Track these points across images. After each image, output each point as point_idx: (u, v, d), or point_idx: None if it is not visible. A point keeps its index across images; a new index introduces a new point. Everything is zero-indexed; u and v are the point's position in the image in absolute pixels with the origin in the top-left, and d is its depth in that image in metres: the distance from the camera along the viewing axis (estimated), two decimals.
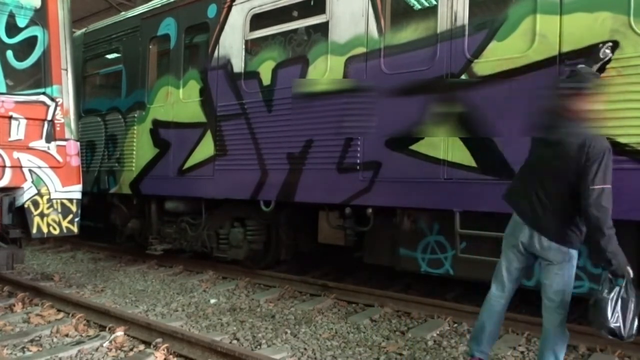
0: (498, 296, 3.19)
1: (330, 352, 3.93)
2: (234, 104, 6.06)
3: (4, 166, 4.90)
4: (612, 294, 2.70)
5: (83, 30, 8.80)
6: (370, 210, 5.13)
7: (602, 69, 3.67)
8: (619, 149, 3.59)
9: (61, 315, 4.89)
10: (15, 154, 4.99)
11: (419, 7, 5.21)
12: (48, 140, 5.23)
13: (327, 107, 5.18)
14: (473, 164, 4.26)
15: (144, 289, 6.07)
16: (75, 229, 5.44)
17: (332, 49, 5.22)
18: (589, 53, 3.73)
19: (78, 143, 5.54)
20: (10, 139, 4.97)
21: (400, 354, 3.92)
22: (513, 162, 4.04)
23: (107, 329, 4.36)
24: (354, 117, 4.96)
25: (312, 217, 6.01)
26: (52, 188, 5.23)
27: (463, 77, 4.34)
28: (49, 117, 5.26)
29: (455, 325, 4.63)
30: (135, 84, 7.45)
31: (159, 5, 7.23)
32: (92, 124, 8.16)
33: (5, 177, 4.92)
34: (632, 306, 2.68)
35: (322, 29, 5.37)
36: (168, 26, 6.99)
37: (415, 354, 3.92)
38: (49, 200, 5.21)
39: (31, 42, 5.23)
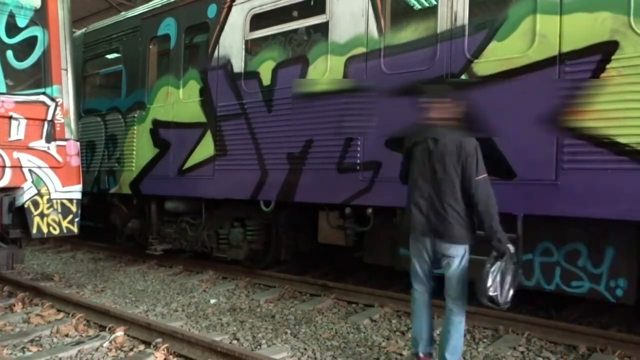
0: (422, 292, 3.51)
1: (330, 352, 3.93)
2: (234, 104, 6.06)
3: (4, 166, 4.90)
4: (494, 268, 3.11)
5: (83, 30, 8.80)
6: (370, 210, 5.13)
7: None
8: (619, 149, 3.59)
9: (61, 315, 4.89)
10: (15, 154, 4.99)
11: (419, 7, 5.22)
12: (48, 140, 5.23)
13: (327, 107, 5.18)
14: None
15: (144, 289, 6.07)
16: (75, 229, 5.44)
17: (332, 49, 5.22)
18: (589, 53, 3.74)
19: (78, 143, 5.54)
20: (10, 139, 4.97)
21: (400, 354, 3.92)
22: (513, 162, 4.04)
23: (107, 329, 4.36)
24: (354, 117, 4.96)
25: (312, 217, 6.01)
26: (52, 188, 5.23)
27: (463, 77, 4.34)
28: (49, 117, 5.26)
29: None
30: (135, 84, 7.45)
31: (159, 5, 7.23)
32: (92, 124, 8.16)
33: (5, 177, 4.92)
34: (508, 279, 3.10)
35: (322, 29, 5.37)
36: (168, 26, 6.99)
37: None
38: (49, 200, 5.21)
39: (31, 42, 5.23)
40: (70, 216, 5.39)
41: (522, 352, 3.97)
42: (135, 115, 7.34)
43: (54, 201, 5.25)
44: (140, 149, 7.26)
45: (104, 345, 4.08)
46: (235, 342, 4.19)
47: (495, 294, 3.10)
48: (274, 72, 5.73)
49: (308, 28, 5.61)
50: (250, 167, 5.81)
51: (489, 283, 3.09)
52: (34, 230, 5.10)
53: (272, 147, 5.65)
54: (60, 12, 5.41)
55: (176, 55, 6.86)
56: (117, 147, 7.64)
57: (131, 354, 3.92)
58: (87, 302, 5.03)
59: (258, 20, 5.95)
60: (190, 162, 6.52)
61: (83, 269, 7.34)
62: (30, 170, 5.09)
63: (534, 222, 4.07)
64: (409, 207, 3.40)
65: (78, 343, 4.08)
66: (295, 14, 5.72)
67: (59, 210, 5.28)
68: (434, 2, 4.65)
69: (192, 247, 7.15)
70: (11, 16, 5.08)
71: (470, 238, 3.28)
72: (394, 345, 4.08)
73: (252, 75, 5.95)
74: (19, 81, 5.14)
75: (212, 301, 5.52)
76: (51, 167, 5.25)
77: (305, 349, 3.99)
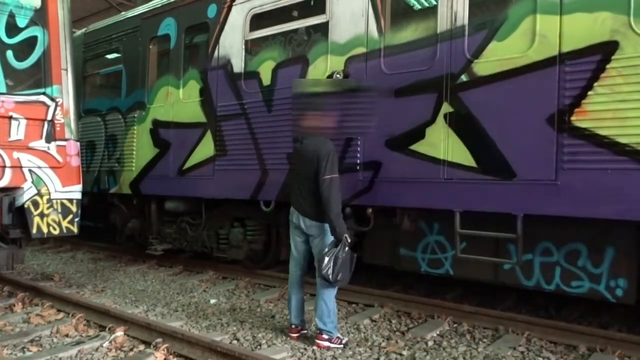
0: (295, 270, 4.27)
1: (330, 352, 3.93)
2: (234, 104, 6.06)
3: (4, 166, 4.90)
4: (331, 252, 3.79)
5: (83, 30, 8.80)
6: (370, 210, 5.13)
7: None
8: (619, 149, 3.59)
9: (61, 315, 4.89)
10: (15, 154, 4.99)
11: (419, 7, 5.21)
12: (48, 140, 5.23)
13: None
14: (473, 164, 4.26)
15: (144, 289, 6.08)
16: (75, 229, 5.44)
17: (332, 49, 5.22)
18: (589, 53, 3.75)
19: (78, 143, 5.54)
20: (10, 139, 4.97)
21: (400, 354, 3.92)
22: (513, 162, 4.05)
23: (107, 329, 4.36)
24: (354, 117, 4.96)
25: None
26: (52, 188, 5.23)
27: (463, 77, 4.34)
28: (49, 117, 5.26)
29: (455, 325, 4.63)
30: (135, 84, 7.44)
31: (159, 5, 7.23)
32: (92, 124, 8.16)
33: (5, 177, 4.92)
34: (339, 262, 3.77)
35: (322, 29, 5.37)
36: (168, 26, 6.99)
37: (415, 354, 3.92)
38: (49, 200, 5.21)
39: (31, 42, 5.23)
40: (70, 216, 5.39)
41: (522, 352, 3.97)
42: (135, 115, 7.34)
43: (54, 201, 5.25)
44: (140, 149, 7.25)
45: (104, 345, 4.08)
46: (235, 342, 4.19)
47: (328, 273, 3.76)
48: (274, 72, 5.73)
49: (308, 28, 5.61)
50: (250, 167, 5.81)
51: (324, 264, 3.77)
52: (34, 230, 5.10)
53: (272, 147, 5.64)
54: (60, 12, 5.41)
55: (176, 55, 6.86)
56: (117, 147, 7.64)
57: (131, 354, 3.92)
58: (87, 302, 5.03)
59: (258, 20, 5.94)
60: (190, 162, 6.52)
61: (83, 269, 7.34)
62: (30, 170, 5.09)
63: (533, 222, 4.07)
64: (289, 190, 4.28)
65: (78, 343, 4.09)
66: (295, 14, 5.72)
67: (59, 210, 5.28)
68: (434, 2, 4.65)
69: (192, 247, 7.15)
70: (11, 16, 5.08)
71: (324, 220, 3.93)
72: (394, 345, 4.08)
73: (252, 75, 5.95)
74: (19, 81, 5.14)
75: (212, 301, 5.52)
76: (51, 167, 5.25)
77: (305, 349, 4.00)
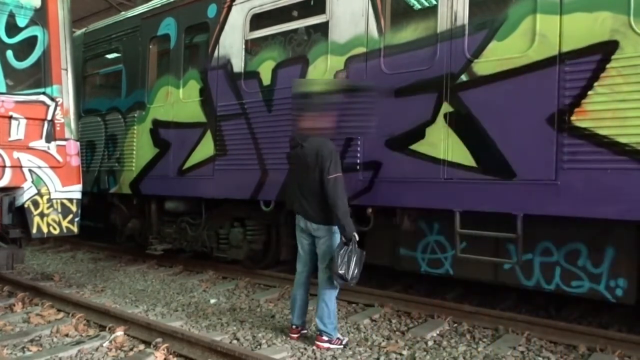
0: (302, 270, 4.24)
1: (330, 352, 3.93)
2: (234, 104, 6.06)
3: (4, 166, 4.89)
4: (342, 251, 3.79)
5: (83, 30, 8.80)
6: (370, 210, 5.13)
7: None
8: (619, 149, 3.59)
9: (61, 315, 4.89)
10: (15, 154, 4.98)
11: (419, 7, 5.21)
12: (48, 140, 5.23)
13: None
14: (473, 164, 4.26)
15: (144, 289, 6.08)
16: (75, 229, 5.44)
17: (332, 49, 5.22)
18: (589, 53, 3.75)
19: (78, 143, 5.54)
20: (10, 139, 4.96)
21: (400, 354, 3.92)
22: (513, 162, 4.05)
23: (107, 329, 4.36)
24: (354, 117, 4.96)
25: None
26: (52, 188, 5.23)
27: (463, 77, 4.34)
28: (49, 117, 5.25)
29: (455, 325, 4.63)
30: (135, 83, 7.44)
31: (159, 5, 7.23)
32: (92, 124, 8.16)
33: (5, 177, 4.92)
34: (354, 260, 3.79)
35: (322, 29, 5.37)
36: (168, 26, 6.99)
37: (415, 354, 3.92)
38: (49, 200, 5.21)
39: (31, 42, 5.23)
40: (70, 216, 5.39)
41: (522, 352, 3.97)
42: (135, 115, 7.34)
43: (54, 201, 5.25)
44: (140, 149, 7.25)
45: (104, 345, 4.08)
46: (235, 342, 4.19)
47: (343, 272, 3.75)
48: (274, 72, 5.73)
49: (308, 28, 5.61)
50: (250, 167, 5.81)
51: (338, 263, 3.76)
52: (34, 230, 5.10)
53: (272, 147, 5.64)
54: (60, 12, 5.41)
55: (176, 55, 6.86)
56: (117, 147, 7.64)
57: (131, 353, 3.92)
58: (87, 302, 5.03)
59: (258, 20, 5.94)
60: (190, 162, 6.52)
61: (83, 269, 7.34)
62: (30, 170, 5.09)
63: (533, 221, 4.07)
64: (290, 196, 4.30)
65: (78, 343, 4.08)
66: (295, 13, 5.72)
67: (59, 210, 5.28)
68: (434, 2, 4.65)
69: (192, 247, 7.15)
70: (11, 16, 5.08)
71: (331, 222, 3.94)
72: (394, 345, 4.08)
73: (252, 75, 5.95)
74: (19, 81, 5.14)
75: (212, 301, 5.52)
76: (51, 167, 5.24)
77: (305, 349, 4.00)
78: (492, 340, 4.22)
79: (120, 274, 6.90)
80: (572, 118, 3.79)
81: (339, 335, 4.07)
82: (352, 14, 5.08)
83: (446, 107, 4.41)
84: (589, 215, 3.75)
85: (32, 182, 5.09)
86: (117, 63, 7.96)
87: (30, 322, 4.67)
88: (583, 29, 3.78)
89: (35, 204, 5.11)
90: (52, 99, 5.29)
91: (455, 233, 4.39)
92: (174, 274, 6.99)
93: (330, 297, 4.01)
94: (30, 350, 3.96)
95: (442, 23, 4.50)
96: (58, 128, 5.30)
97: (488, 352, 3.95)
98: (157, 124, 7.02)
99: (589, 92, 3.73)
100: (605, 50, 3.68)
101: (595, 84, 3.70)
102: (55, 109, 5.30)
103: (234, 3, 6.13)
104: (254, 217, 6.45)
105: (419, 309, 4.99)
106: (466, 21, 4.37)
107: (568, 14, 3.86)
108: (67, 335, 4.33)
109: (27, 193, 5.05)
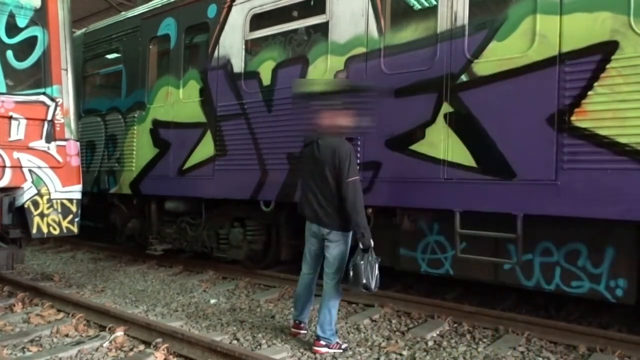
0: (307, 273, 4.15)
1: (330, 352, 3.93)
2: (234, 104, 6.06)
3: (4, 166, 4.90)
4: (363, 261, 3.66)
5: (83, 30, 8.80)
6: (370, 210, 5.13)
7: None
8: (619, 149, 3.59)
9: (61, 315, 4.89)
10: (15, 154, 4.99)
11: (419, 7, 5.21)
12: (48, 140, 5.23)
13: None
14: (473, 164, 4.26)
15: (144, 289, 6.08)
16: (75, 229, 5.44)
17: (332, 49, 5.22)
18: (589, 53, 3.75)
19: (78, 143, 5.54)
20: (10, 139, 4.96)
21: (400, 354, 3.92)
22: (513, 162, 4.05)
23: (107, 329, 4.36)
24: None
25: None
26: (52, 188, 5.23)
27: (463, 77, 4.34)
28: (49, 117, 5.25)
29: (455, 325, 4.63)
30: (135, 84, 7.45)
31: (159, 5, 7.23)
32: (92, 124, 8.16)
33: (5, 177, 4.92)
34: (375, 268, 3.70)
35: (322, 29, 5.37)
36: (168, 26, 6.99)
37: (415, 354, 3.92)
38: (49, 200, 5.21)
39: (31, 42, 5.23)
40: (70, 216, 5.39)
41: (522, 352, 3.97)
42: (135, 115, 7.34)
43: (54, 201, 5.25)
44: (140, 149, 7.26)
45: (104, 345, 4.08)
46: (235, 342, 4.19)
47: (367, 282, 3.66)
48: (274, 72, 5.73)
49: (308, 28, 5.61)
50: (250, 167, 5.81)
51: (362, 274, 3.64)
52: (34, 230, 5.10)
53: (272, 147, 5.65)
54: (60, 12, 5.41)
55: (176, 55, 6.86)
56: (117, 147, 7.64)
57: (131, 354, 3.92)
58: (87, 302, 5.03)
59: (258, 20, 5.94)
60: (190, 162, 6.52)
61: (83, 269, 7.34)
62: (30, 170, 5.09)
63: (533, 222, 4.07)
64: (302, 199, 4.08)
65: (78, 343, 4.08)
66: (295, 13, 5.72)
67: (59, 210, 5.28)
68: (434, 2, 4.65)
69: (192, 247, 7.15)
70: (11, 16, 5.08)
71: (348, 225, 3.80)
72: (394, 345, 4.08)
73: (252, 75, 5.95)
74: (19, 81, 5.14)
75: (212, 301, 5.52)
76: (51, 167, 5.24)
77: (305, 349, 3.99)
78: (492, 341, 4.22)
79: (120, 274, 6.90)
80: (572, 118, 3.79)
81: (337, 340, 4.01)
82: (352, 14, 5.08)
83: (446, 107, 4.41)
84: (589, 216, 3.75)
85: (32, 182, 5.09)
86: (117, 63, 7.96)
87: (30, 323, 4.67)
88: (583, 29, 3.78)
89: (35, 204, 5.11)
90: (52, 99, 5.29)
91: (455, 233, 4.40)
92: (174, 274, 6.99)
93: (334, 304, 3.96)
94: (30, 351, 3.96)
95: (442, 23, 4.50)
96: (58, 128, 5.31)
97: (488, 352, 3.95)
98: (157, 124, 7.02)
99: (589, 93, 3.73)
100: (605, 51, 3.68)
101: (595, 84, 3.70)
102: (55, 109, 5.30)
103: (234, 3, 6.14)
104: (254, 217, 6.45)
105: (419, 309, 4.99)
106: (466, 21, 4.37)
107: (568, 14, 3.86)
108: (67, 335, 4.33)
109: (27, 193, 5.05)
